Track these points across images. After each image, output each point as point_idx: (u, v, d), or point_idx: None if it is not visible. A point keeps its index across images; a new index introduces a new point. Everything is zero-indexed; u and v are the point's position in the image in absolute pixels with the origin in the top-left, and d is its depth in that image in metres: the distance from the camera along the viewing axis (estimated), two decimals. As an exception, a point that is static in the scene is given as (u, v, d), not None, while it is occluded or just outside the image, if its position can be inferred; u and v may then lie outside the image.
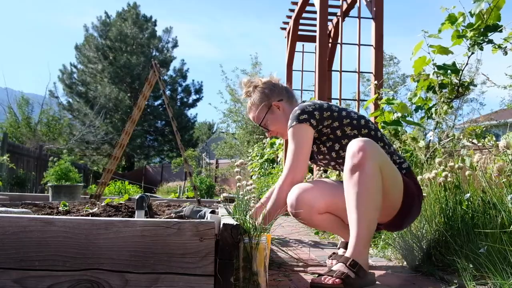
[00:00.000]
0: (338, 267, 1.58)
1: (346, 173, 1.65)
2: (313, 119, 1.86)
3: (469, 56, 2.93)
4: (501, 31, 2.76)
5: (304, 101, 2.01)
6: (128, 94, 22.27)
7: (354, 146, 1.64)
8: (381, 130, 1.99)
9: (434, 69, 3.07)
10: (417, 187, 1.84)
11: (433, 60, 3.06)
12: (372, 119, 3.93)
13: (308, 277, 1.79)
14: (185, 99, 24.79)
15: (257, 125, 2.19)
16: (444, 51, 3.01)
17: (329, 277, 1.53)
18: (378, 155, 1.64)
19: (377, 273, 1.92)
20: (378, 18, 4.15)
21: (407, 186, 1.78)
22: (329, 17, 5.35)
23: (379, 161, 1.64)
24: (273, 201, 1.86)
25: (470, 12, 2.86)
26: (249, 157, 9.29)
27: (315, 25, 5.65)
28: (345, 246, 2.01)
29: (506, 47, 2.73)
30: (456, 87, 3.04)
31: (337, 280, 1.51)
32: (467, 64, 3.00)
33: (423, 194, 1.96)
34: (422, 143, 2.89)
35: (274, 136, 2.22)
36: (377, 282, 1.71)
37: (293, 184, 1.85)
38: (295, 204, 1.82)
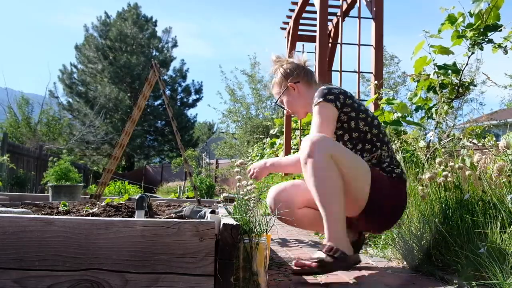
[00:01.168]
0: (318, 254, 1.71)
1: (302, 167, 1.75)
2: (338, 101, 1.90)
3: (469, 56, 2.92)
4: (500, 30, 2.76)
5: (323, 84, 2.05)
6: (128, 94, 22.27)
7: (304, 141, 1.75)
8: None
9: (434, 69, 3.07)
10: (398, 194, 1.88)
11: (433, 60, 3.06)
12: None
13: (308, 277, 1.79)
14: (185, 99, 24.79)
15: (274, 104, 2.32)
16: (445, 51, 3.01)
17: (308, 261, 1.69)
18: (327, 147, 1.71)
19: (377, 273, 1.92)
20: (378, 18, 4.14)
21: (380, 185, 1.83)
22: (329, 17, 5.35)
23: (330, 151, 1.71)
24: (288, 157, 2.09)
25: (469, 12, 2.86)
26: (249, 157, 9.29)
27: (315, 25, 5.65)
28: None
29: (506, 46, 2.73)
30: (456, 87, 3.03)
31: (313, 264, 1.67)
32: (467, 64, 2.99)
33: (424, 195, 1.97)
34: (422, 143, 2.89)
35: (291, 115, 2.35)
36: (377, 282, 1.71)
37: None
38: (273, 205, 1.95)
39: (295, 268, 1.72)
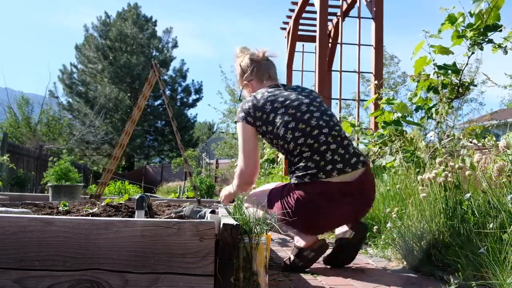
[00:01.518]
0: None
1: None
2: (249, 117, 1.98)
3: (469, 56, 2.92)
4: (501, 30, 2.76)
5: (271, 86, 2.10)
6: (128, 94, 22.26)
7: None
8: (299, 139, 1.93)
9: (434, 69, 3.07)
10: (290, 199, 1.88)
11: (433, 60, 3.05)
12: (372, 119, 3.94)
13: (308, 277, 1.79)
14: (185, 99, 24.78)
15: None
16: (445, 51, 3.01)
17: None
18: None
19: (377, 273, 1.92)
20: (378, 18, 4.14)
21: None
22: (329, 17, 5.35)
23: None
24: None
25: (469, 12, 2.86)
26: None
27: (315, 25, 5.65)
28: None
29: (506, 46, 2.73)
30: (456, 87, 3.03)
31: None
32: (467, 64, 2.99)
33: (425, 195, 1.97)
34: (422, 143, 2.89)
35: None
36: (377, 282, 1.71)
37: (243, 176, 2.01)
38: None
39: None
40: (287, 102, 1.93)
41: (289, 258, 1.99)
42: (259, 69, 2.16)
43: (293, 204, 1.84)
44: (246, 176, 1.99)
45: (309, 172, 1.83)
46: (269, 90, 2.03)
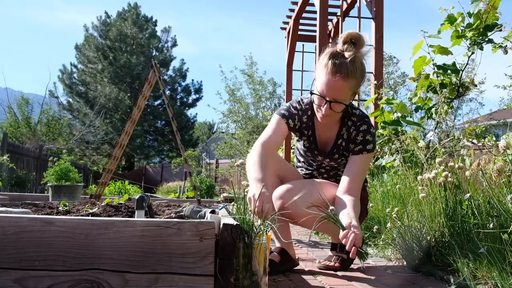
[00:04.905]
0: (332, 253, 2.02)
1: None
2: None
3: (469, 56, 2.93)
4: (500, 30, 2.76)
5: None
6: (128, 94, 22.26)
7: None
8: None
9: (434, 69, 3.07)
10: None
11: (433, 60, 3.05)
12: (372, 119, 3.94)
13: (308, 277, 1.79)
14: (185, 99, 24.78)
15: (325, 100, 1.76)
16: (444, 51, 3.01)
17: (331, 262, 1.98)
18: None
19: (377, 273, 1.92)
20: (378, 18, 4.15)
21: None
22: (329, 17, 5.35)
23: None
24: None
25: (468, 13, 2.86)
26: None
27: (315, 25, 5.65)
28: (333, 247, 2.08)
29: (506, 46, 2.73)
30: (456, 87, 3.03)
31: (336, 264, 1.95)
32: (467, 64, 3.00)
33: (422, 194, 1.98)
34: (422, 143, 2.89)
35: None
36: (377, 282, 1.71)
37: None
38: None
39: (318, 269, 1.96)
40: None
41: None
42: None
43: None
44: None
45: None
46: None
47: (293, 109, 1.93)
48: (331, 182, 1.98)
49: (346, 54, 1.70)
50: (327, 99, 1.73)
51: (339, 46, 1.74)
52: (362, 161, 1.84)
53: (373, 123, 3.89)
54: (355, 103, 2.20)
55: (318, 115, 1.83)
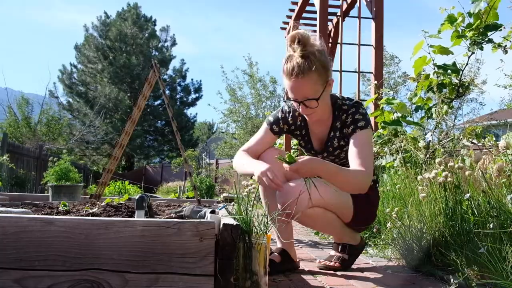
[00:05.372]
0: (333, 253, 2.02)
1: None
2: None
3: (469, 56, 2.93)
4: (500, 30, 2.76)
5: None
6: (128, 94, 22.26)
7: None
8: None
9: (434, 69, 3.07)
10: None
11: (433, 60, 3.05)
12: (372, 119, 3.94)
13: (308, 277, 1.79)
14: (185, 99, 24.76)
15: (295, 101, 1.78)
16: (444, 51, 3.01)
17: (331, 262, 1.98)
18: None
19: (377, 273, 1.92)
20: (378, 18, 4.15)
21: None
22: (329, 17, 5.35)
23: None
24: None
25: (468, 13, 2.86)
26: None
27: (315, 25, 5.65)
28: (335, 247, 2.07)
29: (506, 45, 2.73)
30: (456, 87, 3.03)
31: (337, 264, 1.96)
32: (467, 64, 3.00)
33: (422, 195, 1.98)
34: (422, 143, 2.89)
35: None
36: (377, 282, 1.71)
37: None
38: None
39: (319, 269, 1.97)
40: None
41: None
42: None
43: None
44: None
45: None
46: None
47: (281, 113, 1.98)
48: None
49: (296, 54, 1.74)
50: (298, 100, 1.77)
51: (289, 49, 1.79)
52: (359, 138, 1.79)
53: (373, 123, 3.90)
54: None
55: (305, 116, 1.88)
